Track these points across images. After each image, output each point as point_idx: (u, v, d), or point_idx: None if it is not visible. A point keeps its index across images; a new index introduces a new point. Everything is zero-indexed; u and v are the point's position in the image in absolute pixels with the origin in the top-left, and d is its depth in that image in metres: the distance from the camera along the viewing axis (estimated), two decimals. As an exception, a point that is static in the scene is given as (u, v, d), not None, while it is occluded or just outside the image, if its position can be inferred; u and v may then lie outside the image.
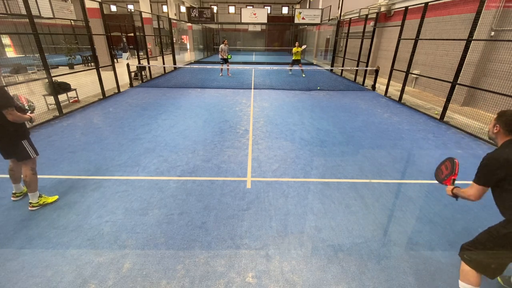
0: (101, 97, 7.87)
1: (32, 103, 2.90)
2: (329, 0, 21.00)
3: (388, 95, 8.93)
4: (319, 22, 19.12)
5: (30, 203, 2.92)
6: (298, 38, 30.69)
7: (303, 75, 12.95)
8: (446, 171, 2.16)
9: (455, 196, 1.93)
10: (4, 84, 7.32)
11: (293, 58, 12.93)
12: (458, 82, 6.02)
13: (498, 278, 2.14)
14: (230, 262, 2.30)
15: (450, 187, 1.97)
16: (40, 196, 2.98)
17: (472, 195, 1.76)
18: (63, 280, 2.09)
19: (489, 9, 6.74)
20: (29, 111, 2.85)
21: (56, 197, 3.13)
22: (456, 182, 1.98)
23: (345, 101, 8.25)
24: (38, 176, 3.01)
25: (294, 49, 12.69)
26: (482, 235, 1.83)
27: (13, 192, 3.11)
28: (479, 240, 1.82)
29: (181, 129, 5.50)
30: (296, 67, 13.33)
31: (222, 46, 12.29)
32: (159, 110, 6.83)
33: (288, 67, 13.79)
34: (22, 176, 2.92)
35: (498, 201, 1.75)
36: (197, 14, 19.24)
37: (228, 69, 13.01)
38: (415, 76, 9.81)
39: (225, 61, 12.55)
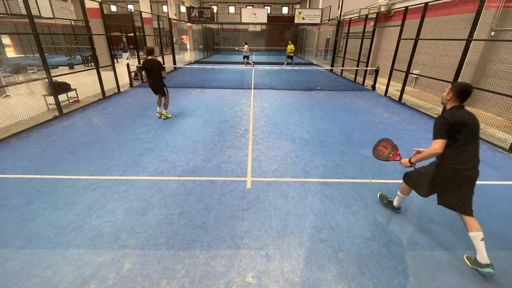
0: (101, 97, 7.87)
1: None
2: (329, 0, 21.01)
3: (388, 95, 8.93)
4: (319, 22, 19.12)
5: (163, 114, 6.12)
6: (298, 38, 30.74)
7: (286, 66, 16.13)
8: (387, 150, 2.65)
9: (413, 164, 2.39)
10: (4, 84, 7.33)
11: (288, 54, 16.35)
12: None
13: (466, 260, 2.36)
14: (230, 262, 2.30)
15: (406, 160, 2.44)
16: (167, 112, 6.18)
17: (437, 149, 2.13)
18: (63, 280, 2.09)
19: (489, 9, 6.74)
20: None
21: (170, 116, 6.26)
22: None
23: (345, 101, 8.25)
24: (38, 176, 3.38)
25: (289, 47, 16.12)
26: (418, 170, 2.51)
27: (158, 112, 6.15)
28: (415, 172, 2.53)
29: (181, 129, 5.50)
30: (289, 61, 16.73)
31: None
32: (159, 110, 6.83)
33: (286, 63, 16.70)
34: (163, 102, 6.10)
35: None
36: (197, 14, 19.24)
37: (249, 62, 16.59)
38: (415, 76, 9.81)
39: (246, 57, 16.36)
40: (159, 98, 6.06)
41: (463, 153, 2.17)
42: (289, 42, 16.44)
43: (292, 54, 16.38)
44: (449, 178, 2.26)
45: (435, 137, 2.16)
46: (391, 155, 2.59)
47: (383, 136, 3.38)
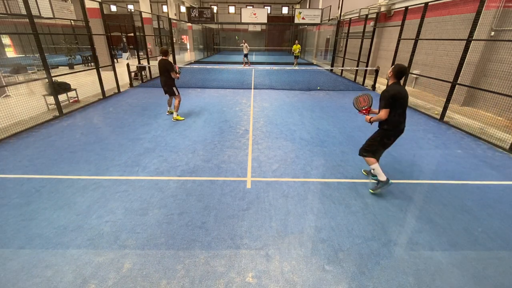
0: (101, 97, 7.87)
1: (180, 69, 6.49)
2: (329, 0, 21.00)
3: (388, 95, 8.92)
4: (319, 22, 19.12)
5: (173, 117, 6.03)
6: (298, 38, 30.76)
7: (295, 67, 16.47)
8: (364, 103, 3.31)
9: (371, 122, 3.12)
10: (4, 84, 7.33)
11: (295, 54, 16.79)
12: (458, 82, 6.02)
13: (363, 171, 3.73)
14: (230, 262, 2.30)
15: (368, 117, 3.16)
16: (178, 114, 6.07)
17: (383, 116, 2.95)
18: (63, 280, 2.09)
19: (489, 9, 6.74)
20: (178, 73, 5.82)
21: (183, 118, 6.13)
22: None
23: (345, 101, 8.25)
24: (38, 176, 3.39)
25: (295, 47, 16.61)
26: (369, 141, 3.26)
27: (168, 111, 6.43)
28: (368, 143, 3.27)
29: (181, 129, 5.50)
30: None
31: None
32: (159, 110, 6.83)
33: (294, 64, 17.07)
34: (174, 103, 6.08)
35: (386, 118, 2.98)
36: (197, 14, 19.23)
37: (244, 63, 16.84)
38: (415, 76, 9.80)
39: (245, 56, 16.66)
40: (170, 98, 6.21)
41: (400, 114, 3.01)
42: (296, 42, 16.92)
43: (299, 54, 16.84)
44: (396, 137, 3.14)
45: (383, 107, 2.94)
46: (364, 108, 3.29)
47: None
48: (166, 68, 5.64)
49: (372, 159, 3.22)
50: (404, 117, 3.07)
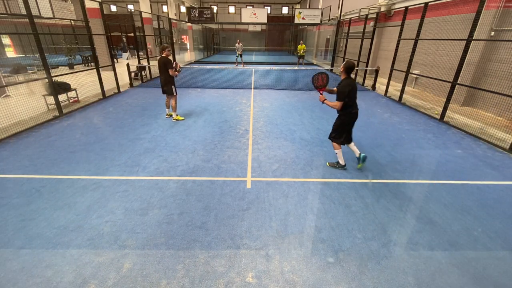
0: (101, 97, 7.87)
1: (181, 68, 5.98)
2: (329, 0, 21.01)
3: (388, 95, 8.93)
4: (319, 22, 19.12)
5: (173, 117, 6.03)
6: (298, 38, 30.78)
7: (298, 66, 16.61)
8: (322, 82, 3.64)
9: (323, 103, 3.57)
10: (4, 84, 7.33)
11: (300, 54, 16.93)
12: (458, 82, 6.02)
13: (328, 164, 4.03)
14: (230, 262, 2.30)
15: (322, 97, 3.55)
16: (177, 114, 6.11)
17: (338, 106, 3.46)
18: (63, 280, 2.09)
19: (489, 9, 6.74)
20: (177, 71, 5.75)
21: (183, 118, 6.15)
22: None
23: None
24: (38, 176, 3.39)
25: (300, 47, 16.74)
26: (334, 128, 3.74)
27: (167, 113, 6.28)
28: (333, 129, 3.76)
29: (181, 129, 5.50)
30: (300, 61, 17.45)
31: (236, 45, 16.46)
32: (159, 110, 6.82)
33: (298, 64, 17.39)
34: (170, 104, 6.04)
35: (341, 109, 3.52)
36: (197, 14, 19.23)
37: (242, 63, 16.77)
38: (415, 76, 9.80)
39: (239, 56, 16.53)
40: (167, 99, 6.03)
41: (353, 103, 3.50)
42: (301, 42, 17.03)
43: (303, 54, 16.93)
44: (352, 120, 3.62)
45: (339, 99, 3.44)
46: (320, 87, 3.64)
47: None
48: (166, 66, 5.54)
49: (337, 145, 3.78)
50: (356, 103, 3.57)
